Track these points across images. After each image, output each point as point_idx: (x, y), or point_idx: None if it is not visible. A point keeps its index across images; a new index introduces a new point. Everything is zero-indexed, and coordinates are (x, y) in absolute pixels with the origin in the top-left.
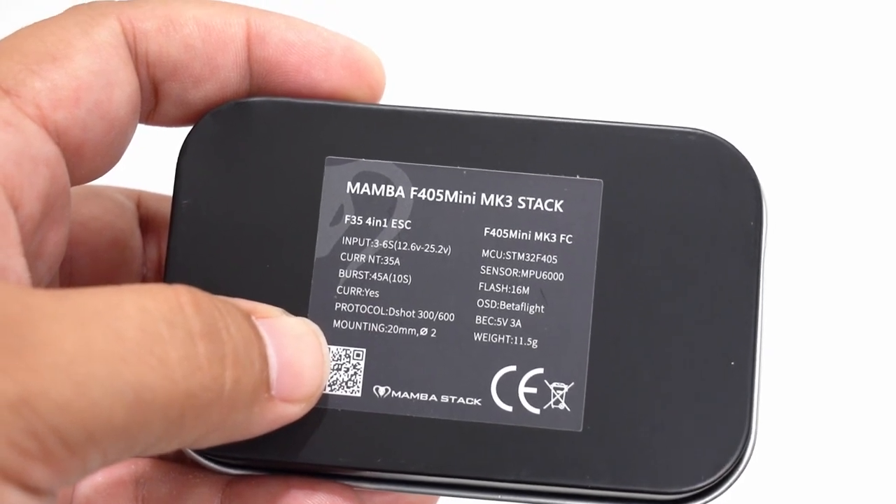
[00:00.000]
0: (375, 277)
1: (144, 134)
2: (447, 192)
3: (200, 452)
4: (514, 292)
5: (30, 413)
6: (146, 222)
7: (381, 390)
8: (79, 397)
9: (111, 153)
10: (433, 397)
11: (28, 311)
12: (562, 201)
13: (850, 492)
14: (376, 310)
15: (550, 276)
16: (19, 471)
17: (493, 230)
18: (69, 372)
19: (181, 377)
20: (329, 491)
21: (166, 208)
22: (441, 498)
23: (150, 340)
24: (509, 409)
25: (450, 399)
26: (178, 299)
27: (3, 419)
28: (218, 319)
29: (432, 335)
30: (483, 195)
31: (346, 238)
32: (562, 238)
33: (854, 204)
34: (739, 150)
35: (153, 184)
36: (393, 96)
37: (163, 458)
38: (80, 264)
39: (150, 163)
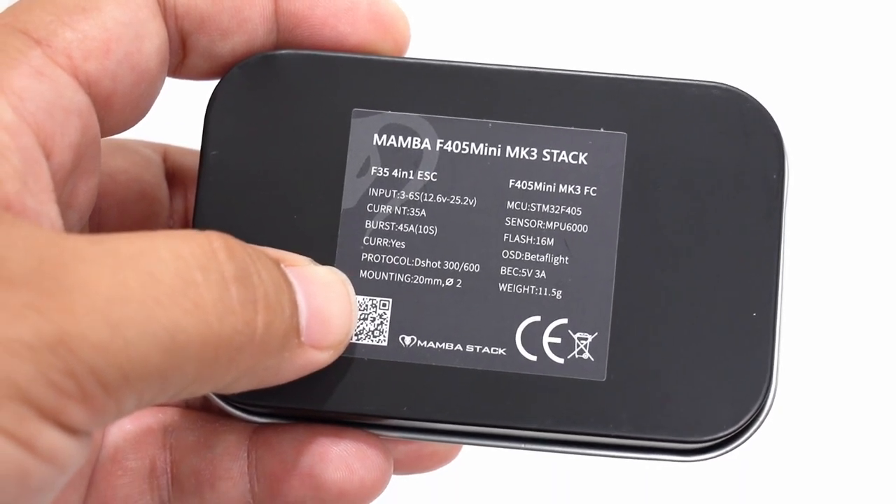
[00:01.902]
0: (401, 228)
1: (170, 89)
2: (473, 145)
3: (228, 401)
4: (538, 243)
5: (67, 353)
6: (172, 176)
7: (407, 340)
8: (115, 339)
9: (140, 105)
10: (458, 347)
11: (64, 255)
12: (586, 154)
13: (868, 443)
14: (402, 260)
15: (575, 227)
16: (57, 410)
17: (518, 182)
18: (105, 314)
19: (215, 320)
20: (355, 438)
21: (192, 162)
22: (465, 447)
23: (185, 284)
24: (534, 358)
25: (475, 348)
26: (211, 245)
27: (41, 358)
28: (249, 265)
29: (458, 285)
30: (508, 147)
31: (373, 189)
32: (586, 190)
33: (877, 158)
34: (762, 104)
35: (179, 138)
36: (417, 50)
37: (190, 408)
38: (108, 216)
39: (177, 117)
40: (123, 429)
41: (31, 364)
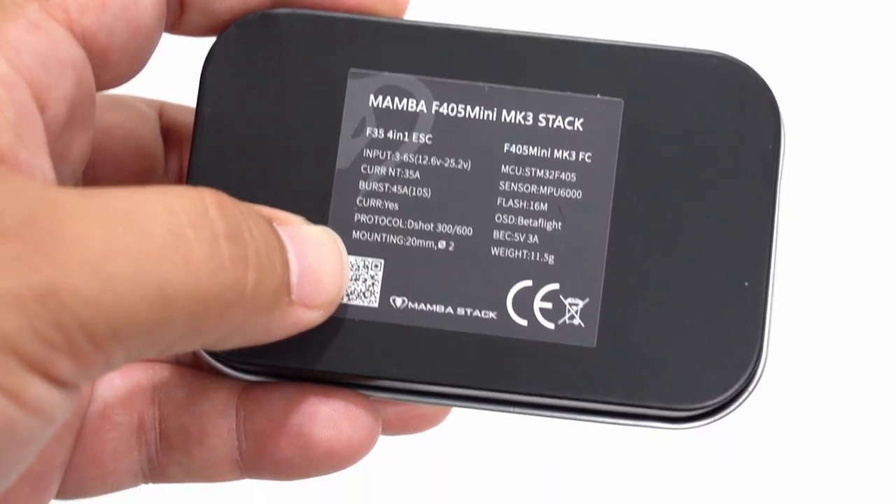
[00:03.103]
0: (395, 190)
1: (167, 45)
2: (468, 108)
3: (218, 358)
4: (532, 208)
5: (56, 305)
6: (168, 132)
7: (398, 301)
8: (105, 292)
9: (136, 59)
10: (449, 309)
11: (55, 208)
12: (582, 119)
13: (858, 416)
14: (395, 222)
15: (569, 193)
16: (45, 362)
17: (513, 146)
18: (96, 267)
19: (205, 276)
20: (344, 398)
21: (188, 119)
22: (454, 410)
23: (176, 240)
24: (524, 323)
25: (465, 312)
26: (203, 201)
27: (30, 310)
28: (241, 222)
29: (450, 248)
30: (504, 111)
31: (368, 150)
32: (581, 156)
33: (874, 130)
34: (760, 74)
35: (176, 95)
36: (416, 12)
37: (181, 364)
38: (103, 171)
39: (174, 74)
40: (113, 383)
41: (19, 315)
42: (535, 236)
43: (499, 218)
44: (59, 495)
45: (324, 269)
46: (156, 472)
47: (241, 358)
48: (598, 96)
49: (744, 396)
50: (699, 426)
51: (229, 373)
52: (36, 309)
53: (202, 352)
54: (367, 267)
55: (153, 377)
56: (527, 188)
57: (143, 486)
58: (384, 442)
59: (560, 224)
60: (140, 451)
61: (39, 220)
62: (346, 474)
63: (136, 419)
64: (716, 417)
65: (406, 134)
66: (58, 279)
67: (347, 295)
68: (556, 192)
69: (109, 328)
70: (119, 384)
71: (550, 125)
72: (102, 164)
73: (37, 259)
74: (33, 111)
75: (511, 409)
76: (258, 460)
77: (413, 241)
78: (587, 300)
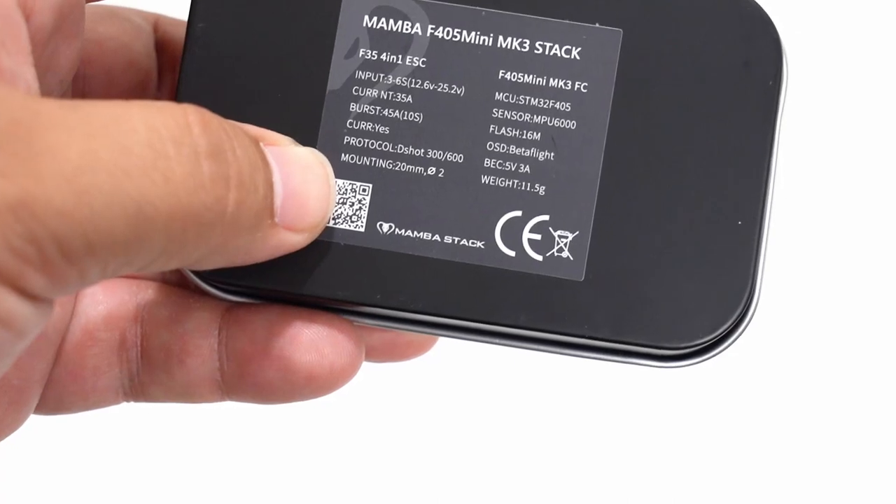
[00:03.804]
0: (386, 113)
1: None
2: (464, 33)
3: (202, 278)
4: (524, 137)
5: (29, 217)
6: (162, 46)
7: (385, 227)
8: (80, 206)
9: None
10: (436, 237)
11: (35, 118)
12: (579, 48)
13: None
14: (385, 146)
15: (563, 123)
16: (16, 275)
17: (508, 73)
18: (72, 181)
19: (184, 194)
20: (327, 323)
21: (183, 34)
22: (442, 341)
23: (155, 156)
24: (512, 254)
25: (453, 240)
26: (187, 118)
27: (1, 221)
28: (224, 141)
29: (440, 175)
30: (500, 37)
31: (360, 72)
32: (577, 86)
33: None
34: (763, 7)
35: (171, 9)
36: None
37: (166, 283)
38: (94, 84)
39: None
40: (96, 299)
41: None
42: (527, 166)
43: (490, 146)
44: (39, 410)
45: (309, 192)
46: (137, 390)
47: (225, 278)
48: (597, 25)
49: (734, 337)
50: (688, 365)
51: (213, 293)
52: (8, 220)
53: (187, 271)
54: (355, 191)
55: (137, 295)
56: (520, 117)
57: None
58: (370, 369)
59: (553, 154)
60: (121, 368)
61: (18, 130)
62: (330, 402)
63: (119, 336)
64: (705, 357)
65: (400, 57)
66: (32, 190)
67: (334, 219)
68: (550, 121)
69: (84, 243)
70: (103, 301)
71: (547, 53)
72: (93, 77)
73: (12, 169)
74: (18, 19)
75: (497, 341)
76: (239, 382)
77: (403, 167)
78: (577, 233)
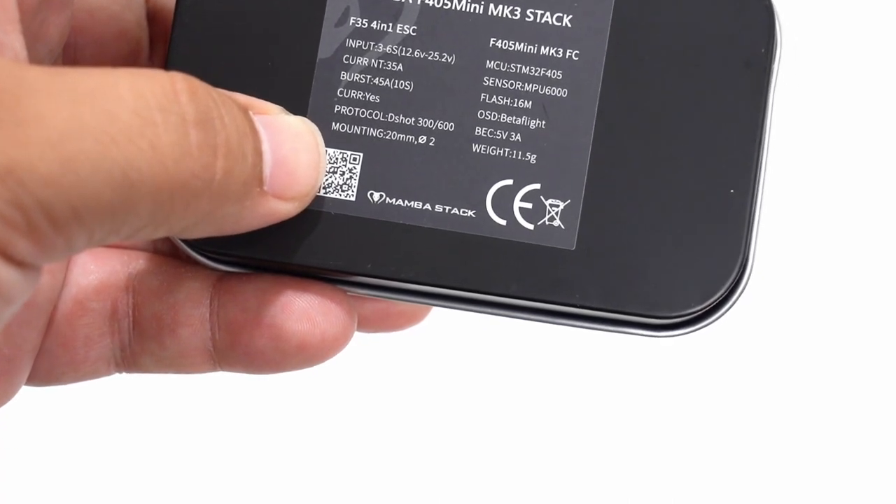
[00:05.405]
0: (377, 82)
1: None
2: (455, 0)
3: (194, 247)
4: (516, 105)
5: (15, 184)
6: (154, 16)
7: (376, 196)
8: (66, 173)
9: None
10: (427, 206)
11: (21, 86)
12: (571, 16)
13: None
14: (376, 115)
15: (554, 91)
16: (2, 241)
17: (500, 41)
18: (58, 148)
19: (171, 162)
20: (319, 292)
21: (174, 3)
22: (434, 310)
23: (143, 124)
24: (503, 222)
25: (444, 209)
26: (174, 86)
27: None
28: (212, 109)
29: (430, 143)
30: (491, 5)
31: (350, 40)
32: (568, 53)
33: (869, 40)
34: None
35: None
36: None
37: (158, 253)
38: (84, 54)
39: None
40: (87, 269)
41: None
42: (518, 134)
43: (481, 114)
44: (31, 381)
45: (299, 161)
46: (128, 360)
47: (216, 247)
48: None
49: (727, 306)
50: (679, 335)
51: (204, 262)
52: None
53: (178, 240)
54: (346, 160)
55: (129, 265)
56: (511, 85)
57: None
58: (363, 338)
59: (544, 123)
60: (113, 338)
61: (4, 97)
62: (322, 372)
63: (110, 306)
64: (696, 327)
65: (390, 25)
66: (18, 157)
67: (324, 188)
68: (542, 89)
69: (70, 209)
70: (94, 270)
71: (538, 20)
72: (83, 47)
73: None
74: None
75: (489, 311)
76: (230, 352)
77: (393, 135)
78: (568, 202)
